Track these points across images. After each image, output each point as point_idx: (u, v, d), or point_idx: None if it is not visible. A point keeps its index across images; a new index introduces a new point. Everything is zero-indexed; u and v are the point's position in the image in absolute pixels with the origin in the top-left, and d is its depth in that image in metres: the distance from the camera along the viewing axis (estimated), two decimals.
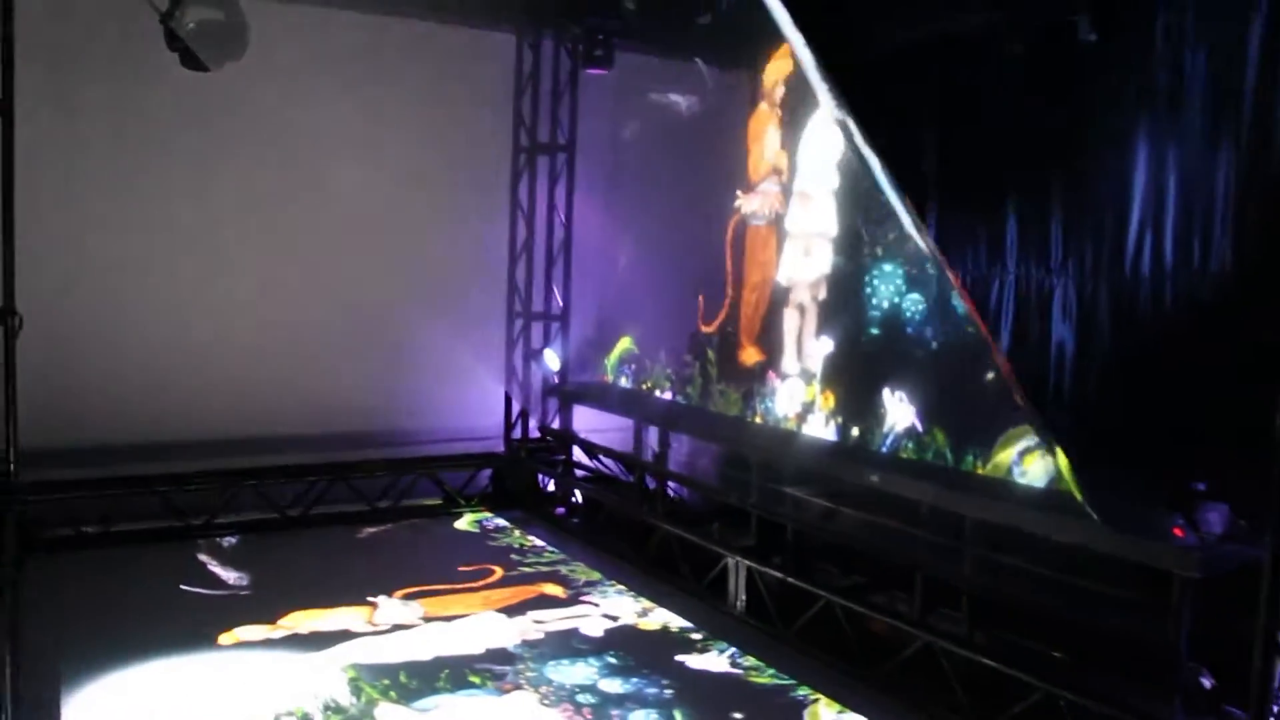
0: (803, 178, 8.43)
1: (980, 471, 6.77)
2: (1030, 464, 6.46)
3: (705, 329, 9.45)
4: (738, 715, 5.84)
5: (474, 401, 10.13)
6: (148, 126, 8.20)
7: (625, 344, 10.28)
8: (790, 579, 7.02)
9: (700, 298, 9.54)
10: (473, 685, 5.99)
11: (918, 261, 7.40)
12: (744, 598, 7.46)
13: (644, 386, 9.87)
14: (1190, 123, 5.81)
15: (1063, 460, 5.85)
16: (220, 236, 8.65)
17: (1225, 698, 5.17)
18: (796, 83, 8.37)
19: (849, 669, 6.46)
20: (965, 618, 6.21)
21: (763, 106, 8.79)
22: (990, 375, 6.74)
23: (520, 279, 10.18)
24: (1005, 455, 6.61)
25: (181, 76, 6.68)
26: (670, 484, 8.68)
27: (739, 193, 9.06)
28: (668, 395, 9.58)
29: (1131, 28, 5.99)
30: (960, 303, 7.00)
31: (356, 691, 5.83)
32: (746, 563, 7.37)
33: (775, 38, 8.07)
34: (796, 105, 8.48)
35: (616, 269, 10.54)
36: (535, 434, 10.37)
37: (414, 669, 6.14)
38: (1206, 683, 5.13)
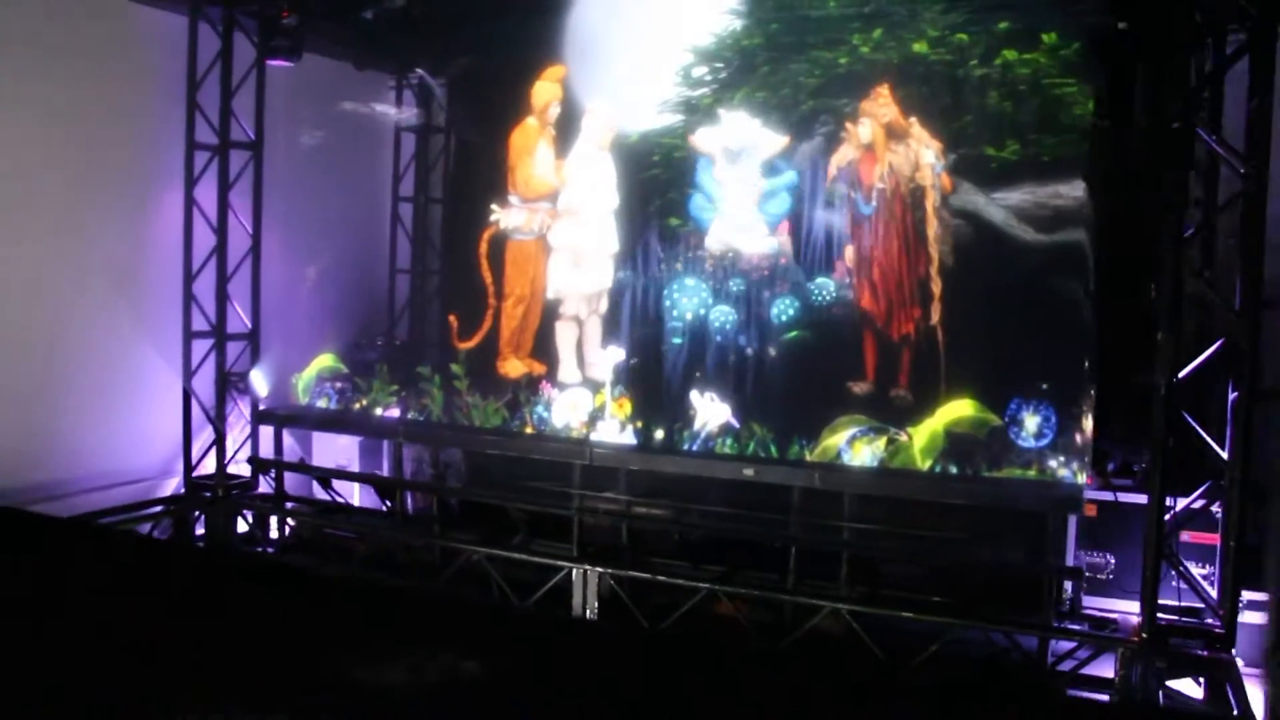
0: (568, 196, 8.78)
1: (809, 458, 7.76)
2: (859, 449, 7.62)
3: (463, 344, 9.24)
4: None
5: (133, 436, 8.81)
6: None
7: (326, 361, 9.61)
8: (661, 578, 7.40)
9: (452, 317, 9.32)
10: None
11: (719, 278, 8.22)
12: (595, 605, 7.63)
13: (358, 405, 9.35)
14: None
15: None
16: None
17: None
18: (567, 106, 8.75)
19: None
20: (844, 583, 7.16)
21: (530, 122, 8.94)
22: (807, 375, 7.86)
23: (201, 291, 9.03)
24: (834, 441, 7.69)
25: None
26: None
27: (495, 206, 9.07)
28: (393, 412, 9.19)
29: None
30: (777, 312, 7.98)
31: None
32: (596, 569, 7.55)
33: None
34: (566, 127, 8.83)
35: (304, 281, 9.88)
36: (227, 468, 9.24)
37: None
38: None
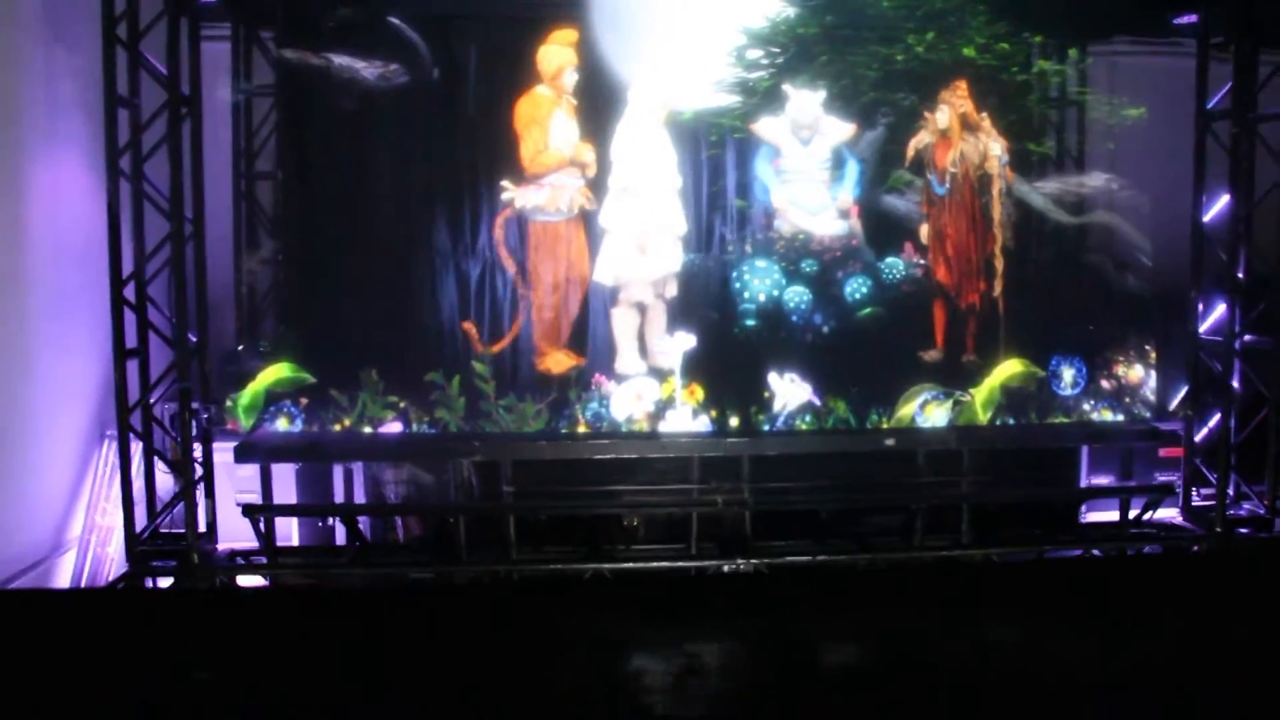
0: (623, 174, 8.27)
1: (886, 425, 8.49)
2: (930, 412, 8.54)
3: (493, 348, 8.16)
4: None
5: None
6: None
7: (280, 373, 7.96)
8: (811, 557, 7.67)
9: (467, 325, 8.14)
10: None
11: (792, 259, 8.45)
12: None
13: (340, 426, 7.95)
14: None
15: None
16: None
17: None
18: (594, 72, 8.18)
19: None
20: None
21: (540, 90, 8.14)
22: (882, 349, 8.55)
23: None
24: (908, 409, 8.54)
25: None
26: None
27: (506, 184, 8.16)
28: (391, 428, 7.98)
29: None
30: (850, 290, 8.46)
31: None
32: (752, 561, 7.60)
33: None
34: (597, 96, 8.24)
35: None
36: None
37: None
38: None
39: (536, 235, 8.23)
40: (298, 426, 7.86)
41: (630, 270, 8.32)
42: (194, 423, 7.24)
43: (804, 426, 8.36)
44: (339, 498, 8.42)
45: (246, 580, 7.49)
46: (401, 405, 7.91)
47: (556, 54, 8.07)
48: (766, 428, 8.32)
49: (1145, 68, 8.72)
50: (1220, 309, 8.40)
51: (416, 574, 7.47)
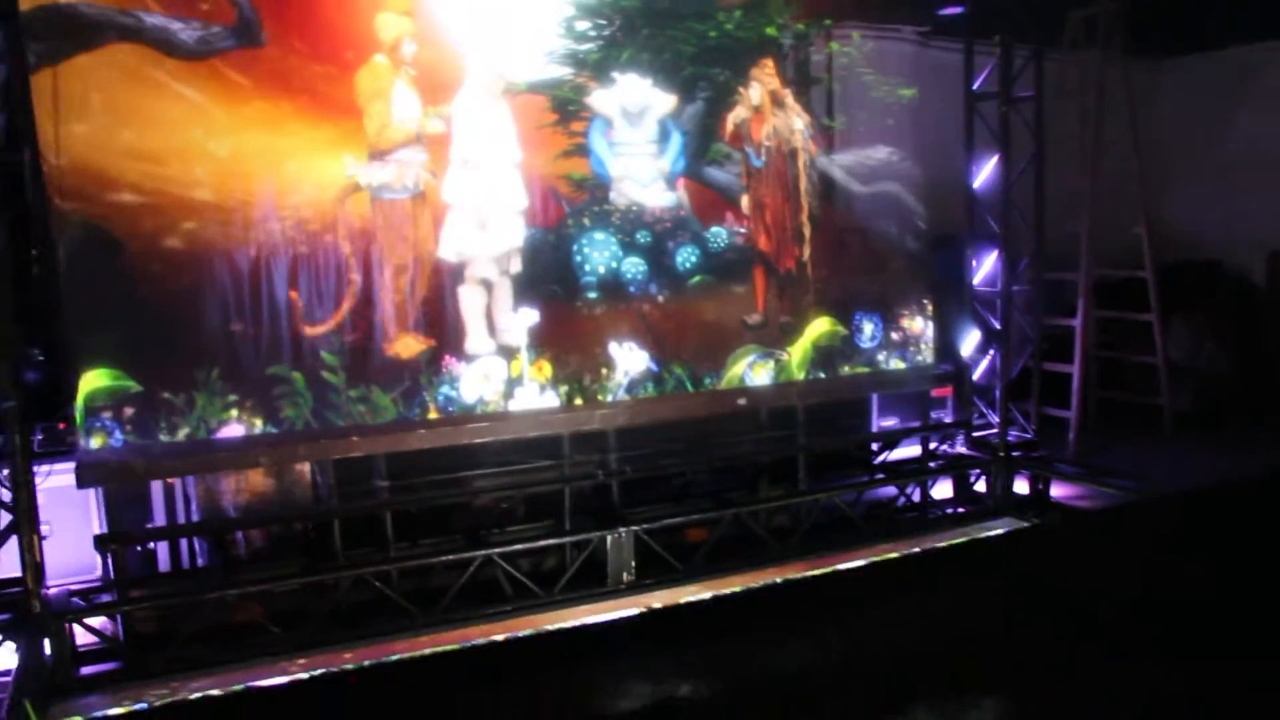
0: (463, 147, 7.94)
1: (719, 388, 8.94)
2: (758, 372, 9.12)
3: (311, 330, 7.54)
4: None
5: None
6: None
7: (100, 381, 6.97)
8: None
9: (293, 294, 7.47)
10: None
11: (628, 231, 8.57)
12: (633, 565, 7.81)
13: (181, 436, 7.14)
14: None
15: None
16: None
17: None
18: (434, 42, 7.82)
19: None
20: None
21: (379, 60, 7.64)
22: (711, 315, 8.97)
23: None
24: (737, 370, 9.06)
25: None
26: None
27: (349, 160, 7.60)
28: (237, 430, 7.29)
29: None
30: (681, 260, 8.74)
31: None
32: (632, 529, 7.78)
33: None
34: (438, 67, 7.85)
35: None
36: None
37: None
38: None
39: (383, 214, 7.73)
40: (118, 441, 6.87)
41: (473, 246, 8.05)
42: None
43: (645, 394, 8.58)
44: (159, 518, 7.52)
45: (96, 622, 6.43)
46: (246, 404, 7.17)
47: (394, 22, 7.60)
48: (610, 397, 8.45)
49: (918, 54, 9.67)
50: (991, 261, 9.61)
51: (285, 586, 6.82)
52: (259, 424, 7.26)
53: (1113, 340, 11.88)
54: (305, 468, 7.63)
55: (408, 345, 7.88)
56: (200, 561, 7.46)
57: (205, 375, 7.06)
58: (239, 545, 7.60)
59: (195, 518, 7.40)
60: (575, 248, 8.41)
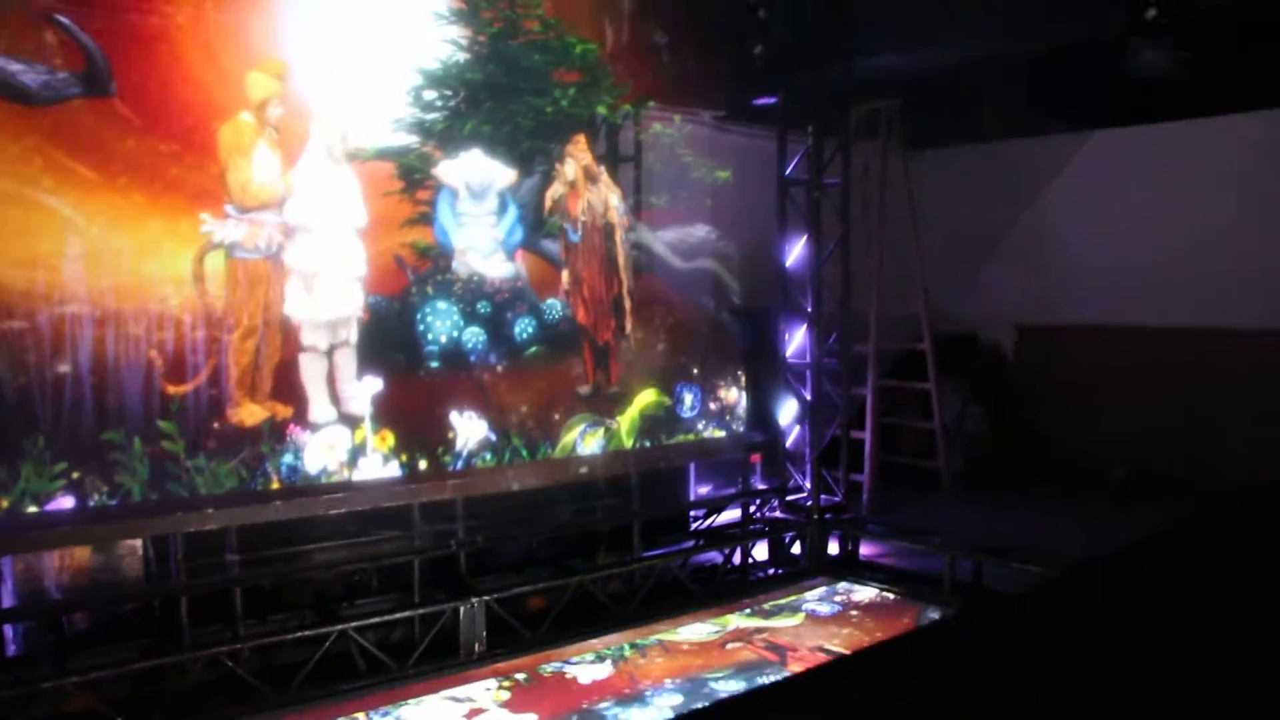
0: (297, 210, 7.74)
1: (553, 456, 9.09)
2: (589, 441, 9.35)
3: (174, 389, 7.12)
4: None
5: None
6: None
7: None
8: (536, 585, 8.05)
9: (154, 352, 7.03)
10: None
11: (469, 300, 8.59)
12: (484, 635, 7.78)
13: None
14: None
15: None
16: None
17: None
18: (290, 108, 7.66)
19: None
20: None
21: (244, 118, 7.38)
22: (545, 384, 9.13)
23: None
24: (570, 437, 9.27)
25: None
26: None
27: (205, 217, 7.27)
28: (67, 503, 6.79)
29: None
30: (519, 330, 8.85)
31: None
32: (484, 599, 7.76)
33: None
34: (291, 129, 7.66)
35: None
36: None
37: None
38: None
39: (235, 273, 7.41)
40: None
41: (307, 312, 7.85)
42: None
43: (483, 464, 8.59)
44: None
45: None
46: (75, 475, 6.65)
47: (264, 83, 7.41)
48: (451, 466, 8.41)
49: (735, 139, 10.29)
50: (800, 336, 10.28)
51: (131, 670, 6.32)
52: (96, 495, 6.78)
53: (890, 407, 12.88)
54: (136, 542, 7.11)
55: (252, 412, 7.58)
56: (11, 650, 6.77)
57: (32, 444, 6.52)
58: (64, 628, 6.97)
59: (8, 601, 6.73)
60: (418, 316, 8.37)
